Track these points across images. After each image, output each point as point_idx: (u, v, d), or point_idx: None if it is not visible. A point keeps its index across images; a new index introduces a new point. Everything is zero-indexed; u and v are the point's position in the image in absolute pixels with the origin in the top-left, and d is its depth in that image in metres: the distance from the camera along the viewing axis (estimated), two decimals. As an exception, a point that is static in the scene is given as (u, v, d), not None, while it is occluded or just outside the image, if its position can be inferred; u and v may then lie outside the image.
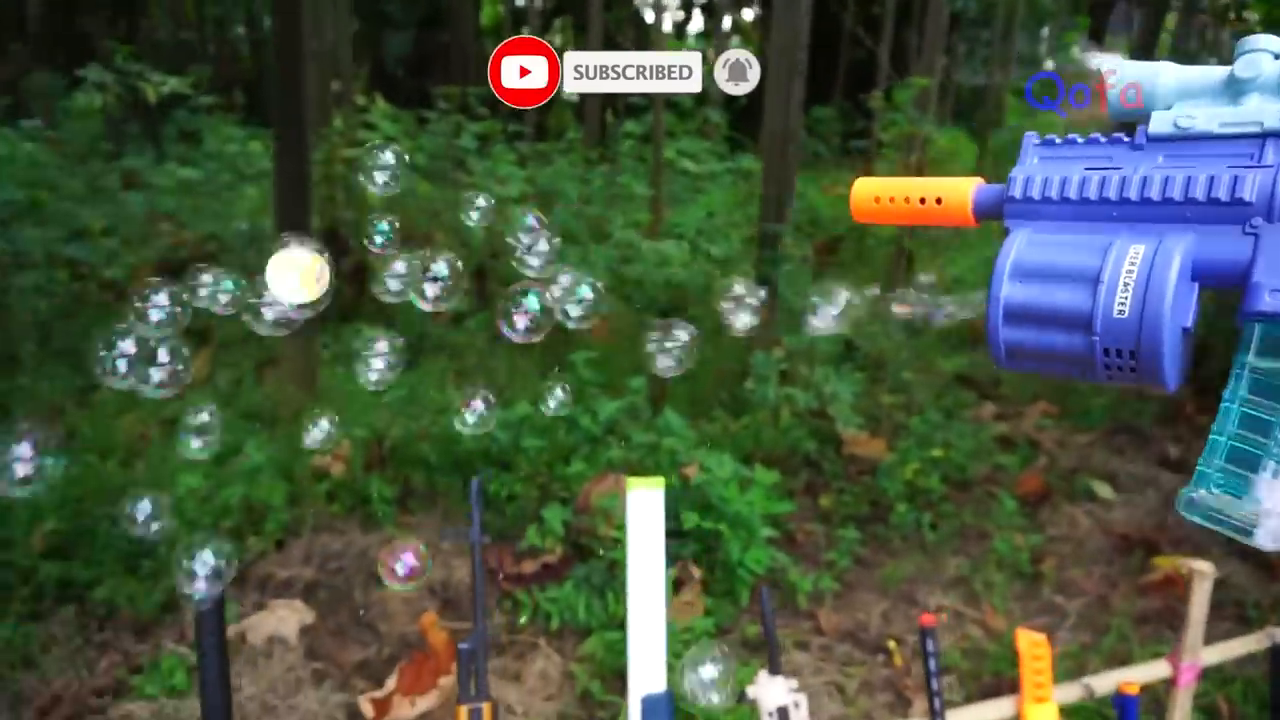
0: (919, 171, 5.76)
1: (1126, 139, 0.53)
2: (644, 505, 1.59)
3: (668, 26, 15.41)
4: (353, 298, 5.51)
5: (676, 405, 3.96)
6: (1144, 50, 4.93)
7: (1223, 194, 0.47)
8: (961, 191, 0.57)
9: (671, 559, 3.04)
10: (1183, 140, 0.51)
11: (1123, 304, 0.47)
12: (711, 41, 12.52)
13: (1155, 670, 1.82)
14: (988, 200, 0.57)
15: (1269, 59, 0.49)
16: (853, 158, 9.65)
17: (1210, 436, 0.49)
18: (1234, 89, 0.50)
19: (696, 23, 16.70)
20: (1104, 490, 3.88)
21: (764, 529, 3.03)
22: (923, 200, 0.58)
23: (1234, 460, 0.48)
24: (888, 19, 9.40)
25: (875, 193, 0.60)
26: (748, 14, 16.32)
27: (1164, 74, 0.52)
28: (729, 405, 4.18)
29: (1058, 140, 0.55)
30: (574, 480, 3.20)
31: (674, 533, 3.06)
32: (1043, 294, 0.50)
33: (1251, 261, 0.46)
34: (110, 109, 6.96)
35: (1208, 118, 0.50)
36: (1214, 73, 0.51)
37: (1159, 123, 0.51)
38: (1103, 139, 0.54)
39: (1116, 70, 0.51)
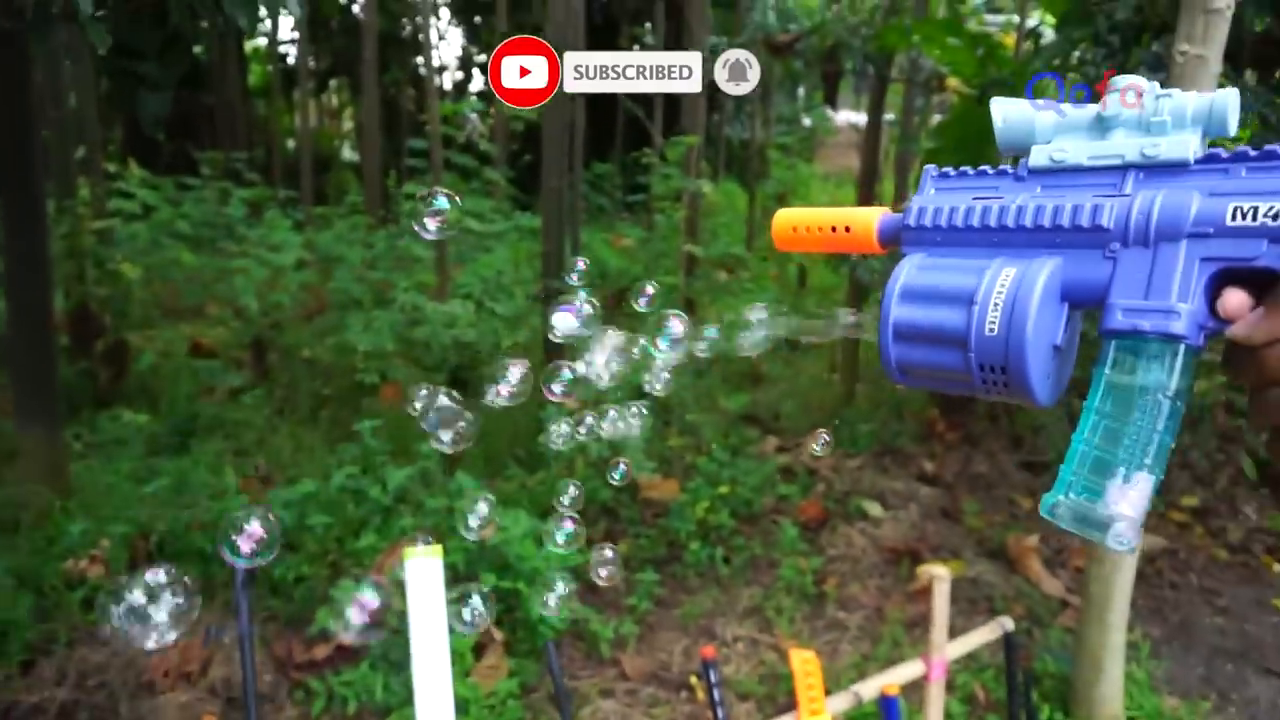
0: (691, 223, 6.12)
1: (1012, 171, 0.57)
2: (423, 574, 1.59)
3: (448, 85, 15.45)
4: (110, 381, 5.06)
5: (470, 467, 3.94)
6: (876, 110, 5.50)
7: (1085, 221, 0.51)
8: (867, 220, 0.60)
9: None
10: (1058, 172, 0.55)
11: (993, 322, 0.50)
12: (492, 101, 12.68)
13: (911, 670, 2.02)
14: (889, 228, 0.60)
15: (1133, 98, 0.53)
16: (634, 211, 10.06)
17: (1071, 444, 0.50)
18: (1102, 125, 0.54)
19: (477, 82, 16.84)
20: (874, 509, 4.23)
21: (562, 582, 3.05)
22: (834, 229, 0.62)
23: (1091, 467, 0.50)
24: (657, 81, 9.95)
25: (793, 223, 0.64)
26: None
27: (1044, 112, 0.56)
28: (524, 461, 4.20)
29: (952, 172, 0.59)
30: (366, 554, 3.09)
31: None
32: (926, 314, 0.53)
33: (1109, 283, 0.50)
34: None
35: (1078, 151, 0.54)
36: (1087, 111, 0.55)
37: (1037, 156, 0.55)
38: (991, 171, 0.58)
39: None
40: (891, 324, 0.54)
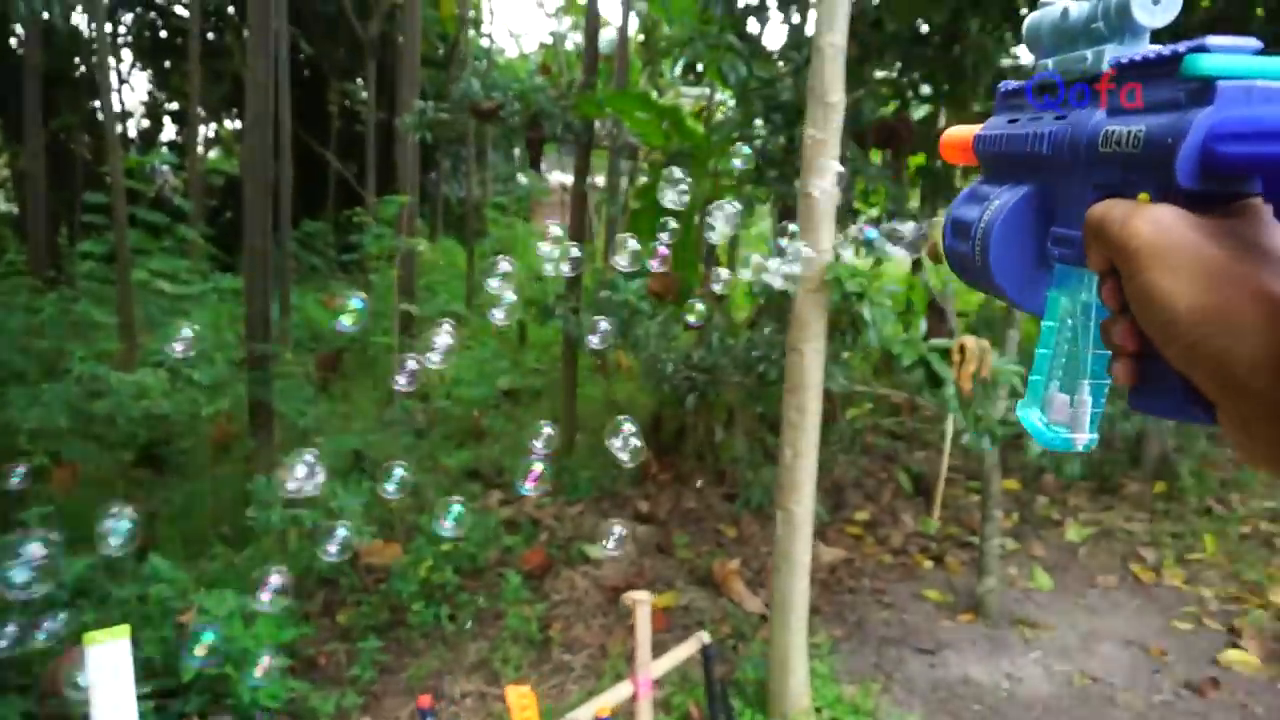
0: (406, 282, 6.09)
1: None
2: (108, 661, 1.50)
3: (133, 133, 14.12)
4: None
5: (168, 549, 3.63)
6: (580, 174, 5.83)
7: (1042, 148, 0.49)
8: (966, 138, 0.59)
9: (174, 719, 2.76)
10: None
11: (978, 254, 0.51)
12: (186, 153, 11.71)
13: (620, 691, 2.18)
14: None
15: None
16: (349, 271, 9.79)
17: (1037, 356, 0.51)
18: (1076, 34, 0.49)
19: (168, 131, 15.54)
20: (594, 551, 4.44)
21: (276, 660, 2.91)
22: (958, 146, 0.60)
23: (1045, 375, 0.50)
24: (370, 137, 9.84)
25: (947, 140, 0.62)
26: (230, 123, 15.65)
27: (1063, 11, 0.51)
28: (230, 538, 3.94)
29: (1013, 85, 0.56)
30: (36, 661, 2.75)
31: (172, 692, 2.80)
32: (955, 246, 0.54)
33: (1055, 209, 0.49)
34: None
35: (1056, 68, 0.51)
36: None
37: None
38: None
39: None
40: (947, 255, 0.55)
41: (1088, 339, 0.48)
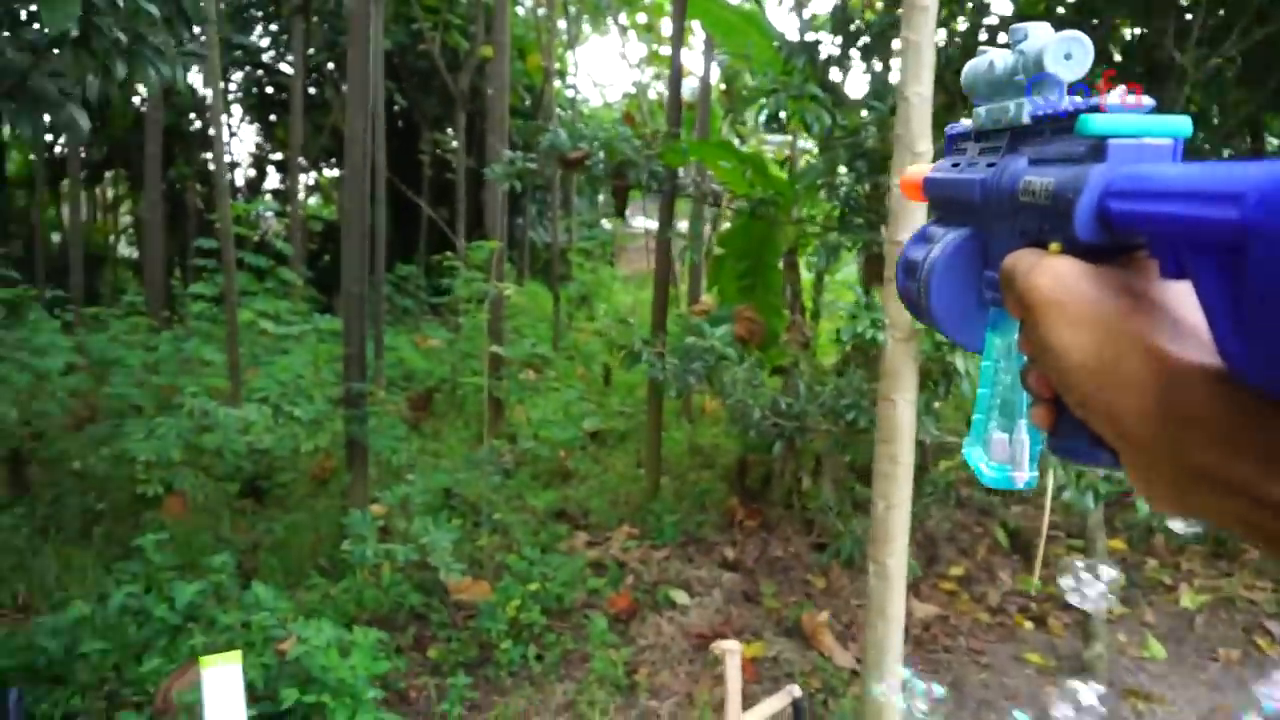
0: (494, 325, 6.22)
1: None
2: (222, 683, 1.55)
3: (240, 182, 14.91)
4: None
5: (269, 578, 3.75)
6: (664, 221, 5.88)
7: (974, 195, 0.50)
8: (918, 178, 0.59)
9: (272, 746, 2.83)
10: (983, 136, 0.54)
11: (922, 294, 0.52)
12: (289, 200, 12.28)
13: (714, 742, 2.14)
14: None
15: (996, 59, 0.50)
16: (440, 312, 10.07)
17: (978, 397, 0.51)
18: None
19: (272, 179, 16.35)
20: (681, 597, 4.39)
21: (370, 691, 2.96)
22: (905, 188, 0.61)
23: (986, 415, 0.51)
24: (460, 184, 10.17)
25: (905, 180, 0.61)
26: (329, 172, 16.39)
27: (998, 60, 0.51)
28: (327, 570, 4.04)
29: (961, 127, 0.57)
30: (149, 679, 2.86)
31: (273, 716, 2.87)
32: (905, 287, 0.55)
33: (988, 254, 0.50)
34: None
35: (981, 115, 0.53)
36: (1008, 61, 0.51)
37: (974, 117, 0.54)
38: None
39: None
40: (899, 294, 0.56)
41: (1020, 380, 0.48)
